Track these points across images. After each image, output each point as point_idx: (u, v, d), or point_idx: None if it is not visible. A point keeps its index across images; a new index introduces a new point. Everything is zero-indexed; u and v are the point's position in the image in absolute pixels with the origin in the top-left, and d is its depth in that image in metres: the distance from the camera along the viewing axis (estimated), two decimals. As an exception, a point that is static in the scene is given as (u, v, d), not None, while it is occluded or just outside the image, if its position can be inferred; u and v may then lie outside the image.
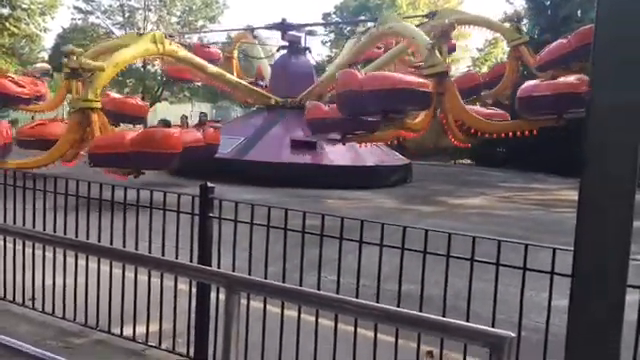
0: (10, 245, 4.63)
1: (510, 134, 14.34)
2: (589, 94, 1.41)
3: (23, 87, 15.85)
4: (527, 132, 14.18)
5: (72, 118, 13.62)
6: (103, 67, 13.36)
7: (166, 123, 13.38)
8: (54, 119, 16.71)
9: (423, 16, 18.58)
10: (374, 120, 13.04)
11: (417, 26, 17.06)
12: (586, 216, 1.50)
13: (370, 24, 19.49)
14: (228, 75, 18.06)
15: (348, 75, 12.71)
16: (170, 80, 36.54)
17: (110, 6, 38.30)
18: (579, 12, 24.24)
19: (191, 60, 16.55)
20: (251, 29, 21.88)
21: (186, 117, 16.61)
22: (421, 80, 12.61)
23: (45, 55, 37.64)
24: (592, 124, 1.42)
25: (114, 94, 18.47)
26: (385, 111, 12.57)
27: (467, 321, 3.02)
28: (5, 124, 14.04)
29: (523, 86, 13.20)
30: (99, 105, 13.26)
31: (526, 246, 3.05)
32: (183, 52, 16.29)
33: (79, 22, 38.96)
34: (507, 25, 16.77)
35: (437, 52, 13.11)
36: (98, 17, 38.75)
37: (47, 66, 19.53)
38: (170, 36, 16.65)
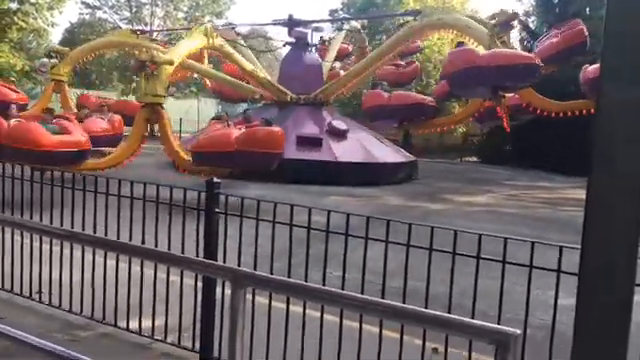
0: (18, 238, 4.66)
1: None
2: (598, 89, 1.39)
3: (18, 92, 16.43)
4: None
5: (140, 114, 13.06)
6: (172, 61, 13.02)
7: (268, 122, 12.54)
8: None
9: (407, 14, 18.47)
10: (432, 106, 13.49)
11: (400, 25, 17.20)
12: (594, 214, 1.49)
13: (370, 19, 19.41)
14: (259, 72, 17.86)
15: (463, 53, 13.34)
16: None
17: (118, 1, 38.42)
18: (587, 9, 24.06)
19: (232, 56, 16.82)
20: (259, 24, 21.85)
21: (227, 114, 16.21)
22: (530, 55, 13.42)
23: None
24: (601, 120, 1.40)
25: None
26: (496, 87, 13.01)
27: (473, 318, 3.01)
28: (117, 117, 14.24)
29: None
30: (164, 100, 13.11)
31: (532, 244, 3.04)
32: (226, 47, 16.58)
33: (87, 17, 39.13)
34: (485, 30, 14.36)
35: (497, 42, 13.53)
36: (105, 12, 38.91)
37: (55, 61, 19.60)
38: (141, 32, 18.20)
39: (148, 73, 12.62)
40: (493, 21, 14.43)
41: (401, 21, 18.51)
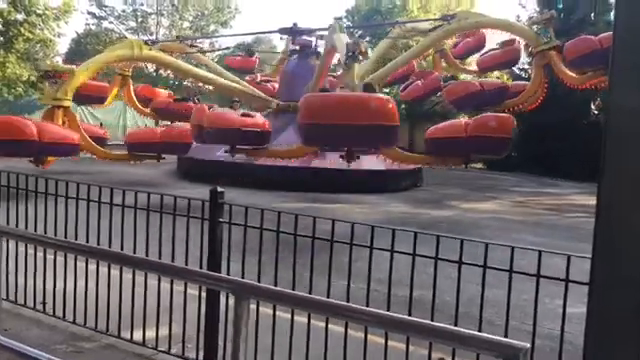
0: (22, 249, 4.65)
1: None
2: (608, 96, 1.37)
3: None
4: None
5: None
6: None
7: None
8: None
9: (440, 19, 18.50)
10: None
11: (431, 30, 17.26)
12: (604, 223, 1.46)
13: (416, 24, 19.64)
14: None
15: (585, 40, 14.74)
16: (181, 84, 36.83)
17: (123, 11, 38.78)
18: (592, 15, 24.02)
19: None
20: (258, 34, 21.94)
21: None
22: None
23: (60, 60, 38.07)
24: (611, 127, 1.37)
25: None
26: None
27: (480, 329, 2.97)
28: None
29: None
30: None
31: (540, 253, 2.99)
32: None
33: (93, 27, 39.46)
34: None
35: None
36: (111, 22, 39.25)
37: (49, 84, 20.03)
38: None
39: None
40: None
41: (428, 26, 18.60)
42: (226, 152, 13.84)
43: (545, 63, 15.92)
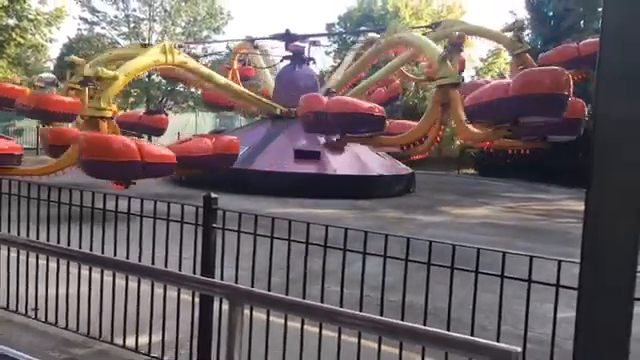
0: (13, 255, 4.63)
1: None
2: (594, 105, 1.40)
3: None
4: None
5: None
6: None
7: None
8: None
9: (427, 27, 18.83)
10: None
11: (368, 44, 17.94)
12: (592, 229, 1.49)
13: (373, 34, 19.87)
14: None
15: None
16: (174, 90, 36.80)
17: (115, 17, 38.61)
18: (582, 22, 24.30)
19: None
20: (254, 40, 21.96)
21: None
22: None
23: (51, 65, 37.94)
24: (598, 135, 1.41)
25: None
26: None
27: (472, 333, 3.00)
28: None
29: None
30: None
31: (531, 258, 3.03)
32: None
33: (85, 32, 39.27)
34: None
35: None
36: (104, 28, 39.06)
37: (52, 76, 19.68)
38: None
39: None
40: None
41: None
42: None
43: (521, 65, 16.19)
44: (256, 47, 21.48)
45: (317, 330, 3.40)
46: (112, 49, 19.48)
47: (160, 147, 12.73)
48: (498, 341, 2.55)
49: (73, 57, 14.19)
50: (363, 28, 32.20)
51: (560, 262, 2.96)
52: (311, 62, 19.92)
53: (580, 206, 1.47)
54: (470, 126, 13.06)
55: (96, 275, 4.19)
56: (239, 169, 15.33)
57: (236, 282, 3.48)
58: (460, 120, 13.35)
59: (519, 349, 1.41)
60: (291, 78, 18.74)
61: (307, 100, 14.80)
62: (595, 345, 1.49)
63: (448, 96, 13.59)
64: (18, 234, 4.60)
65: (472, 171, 28.17)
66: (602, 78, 1.41)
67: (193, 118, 35.36)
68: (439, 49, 14.80)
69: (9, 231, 4.69)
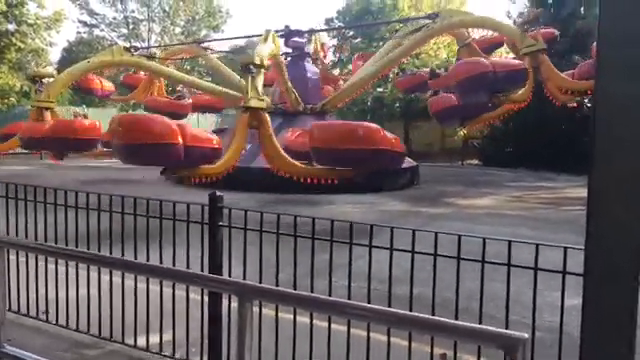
0: (22, 259, 4.66)
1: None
2: (595, 88, 1.40)
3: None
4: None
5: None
6: (52, 74, 16.01)
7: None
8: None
9: (424, 17, 18.52)
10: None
11: (418, 29, 17.22)
12: (595, 214, 1.49)
13: (424, 21, 19.49)
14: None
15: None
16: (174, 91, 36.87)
17: (114, 19, 38.68)
18: (582, 9, 24.14)
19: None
20: (255, 36, 21.90)
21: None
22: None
23: (51, 69, 37.96)
24: (599, 117, 1.40)
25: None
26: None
27: (480, 323, 3.01)
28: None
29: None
30: (53, 106, 15.58)
31: (537, 246, 3.04)
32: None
33: (84, 35, 39.35)
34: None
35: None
36: (103, 30, 39.14)
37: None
38: (135, 48, 18.92)
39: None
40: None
41: (406, 27, 18.56)
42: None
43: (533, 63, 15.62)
44: (206, 49, 21.99)
45: (326, 325, 3.42)
46: (91, 56, 19.84)
47: (202, 130, 12.25)
48: (507, 329, 2.56)
49: (38, 69, 16.16)
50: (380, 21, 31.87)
51: (566, 249, 2.96)
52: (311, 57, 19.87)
53: (586, 193, 1.47)
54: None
55: (105, 276, 4.22)
56: (242, 167, 15.35)
57: (244, 279, 3.50)
58: (560, 77, 14.64)
59: (526, 335, 1.42)
60: (292, 74, 18.69)
61: (469, 63, 14.42)
62: (602, 330, 1.50)
63: (538, 61, 14.66)
64: (26, 237, 4.63)
65: (476, 161, 28.09)
66: (602, 55, 1.39)
67: (195, 117, 35.32)
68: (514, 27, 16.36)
69: (17, 234, 4.73)
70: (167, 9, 38.68)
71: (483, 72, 13.08)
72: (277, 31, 19.52)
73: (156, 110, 19.34)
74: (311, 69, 19.26)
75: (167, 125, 10.06)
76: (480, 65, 13.47)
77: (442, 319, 1.62)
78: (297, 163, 12.45)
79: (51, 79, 16.06)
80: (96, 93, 20.52)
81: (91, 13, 38.38)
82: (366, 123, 13.15)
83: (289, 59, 19.40)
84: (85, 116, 16.59)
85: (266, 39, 15.02)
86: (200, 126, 32.93)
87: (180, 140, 9.97)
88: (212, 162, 11.22)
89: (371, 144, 11.10)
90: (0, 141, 15.85)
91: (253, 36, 21.85)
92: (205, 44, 22.49)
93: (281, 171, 12.37)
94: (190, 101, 21.63)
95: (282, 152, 12.42)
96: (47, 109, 15.48)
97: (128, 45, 19.34)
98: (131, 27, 38.69)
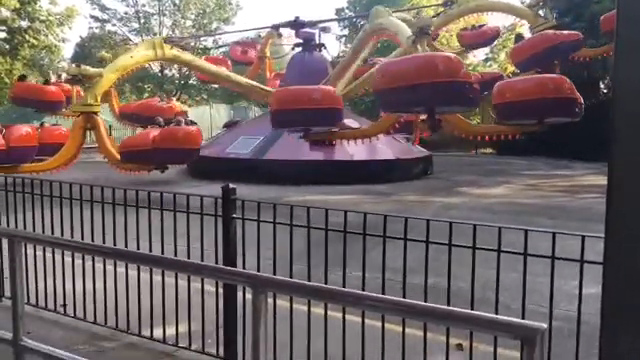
0: (40, 253, 4.72)
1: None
2: (613, 73, 1.36)
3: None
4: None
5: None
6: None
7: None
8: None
9: (440, 5, 18.39)
10: None
11: (435, 15, 17.16)
12: (615, 201, 1.45)
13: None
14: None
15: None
16: (187, 84, 36.96)
17: (126, 13, 38.85)
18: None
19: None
20: (265, 28, 21.83)
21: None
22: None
23: (65, 65, 38.29)
24: (618, 104, 1.37)
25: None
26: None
27: (496, 313, 2.98)
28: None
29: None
30: (98, 109, 14.41)
31: (554, 234, 2.99)
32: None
33: (96, 31, 39.59)
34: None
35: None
36: (114, 25, 39.34)
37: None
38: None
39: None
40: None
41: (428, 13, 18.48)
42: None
43: None
44: (280, 36, 21.41)
45: (341, 316, 3.42)
46: (124, 46, 19.43)
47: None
48: (523, 319, 2.54)
49: (75, 67, 14.54)
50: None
51: (584, 237, 2.92)
52: (322, 48, 19.76)
53: (602, 180, 1.43)
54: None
55: (121, 269, 4.26)
56: (254, 159, 15.39)
57: (258, 271, 3.51)
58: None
59: (545, 325, 1.40)
60: (303, 65, 18.63)
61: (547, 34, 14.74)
62: (622, 319, 1.47)
63: None
64: (42, 231, 4.68)
65: (490, 150, 27.84)
66: (620, 45, 1.36)
67: (208, 110, 35.46)
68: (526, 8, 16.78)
69: (34, 229, 4.79)
70: (178, 2, 38.72)
71: (562, 41, 14.14)
72: (289, 21, 19.48)
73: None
74: (319, 60, 19.18)
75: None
76: (559, 36, 14.44)
77: (457, 309, 1.60)
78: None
79: (98, 79, 14.12)
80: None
81: (103, 8, 38.58)
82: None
83: (300, 49, 19.35)
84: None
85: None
86: (213, 119, 33.05)
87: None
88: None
89: (558, 93, 10.97)
90: (40, 152, 13.73)
91: (263, 28, 21.80)
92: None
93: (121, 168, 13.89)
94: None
95: (113, 150, 13.97)
96: (95, 113, 14.06)
97: (163, 37, 17.87)
98: (142, 21, 38.82)
